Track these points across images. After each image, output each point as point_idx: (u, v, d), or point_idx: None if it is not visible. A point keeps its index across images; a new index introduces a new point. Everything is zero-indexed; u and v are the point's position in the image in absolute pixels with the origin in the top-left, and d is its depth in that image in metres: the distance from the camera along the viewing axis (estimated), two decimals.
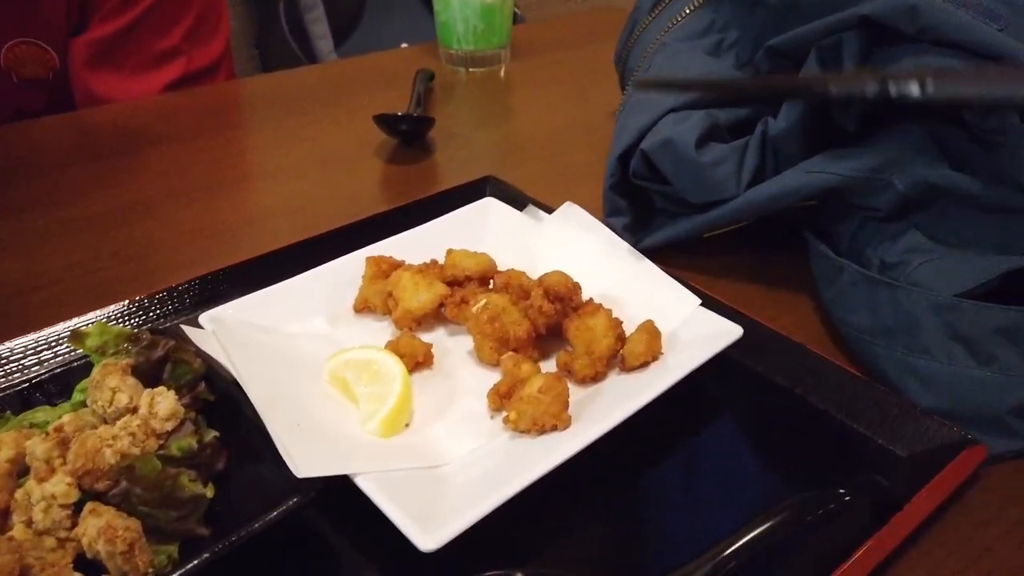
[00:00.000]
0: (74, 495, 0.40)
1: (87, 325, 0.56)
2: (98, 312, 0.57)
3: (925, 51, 0.51)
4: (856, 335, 0.53)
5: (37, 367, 0.53)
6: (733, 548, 0.39)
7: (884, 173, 0.55)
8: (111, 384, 0.44)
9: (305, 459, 0.41)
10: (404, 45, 1.77)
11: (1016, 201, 0.50)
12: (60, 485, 0.40)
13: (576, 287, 0.53)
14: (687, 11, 0.71)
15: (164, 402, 0.44)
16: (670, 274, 0.58)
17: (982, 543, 0.42)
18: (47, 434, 0.42)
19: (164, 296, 0.59)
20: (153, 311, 0.58)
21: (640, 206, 0.68)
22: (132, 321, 0.57)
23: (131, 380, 0.45)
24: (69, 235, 0.71)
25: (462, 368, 0.54)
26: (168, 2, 0.98)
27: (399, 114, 0.85)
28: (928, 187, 0.53)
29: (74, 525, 0.40)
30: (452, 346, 0.56)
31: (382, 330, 0.57)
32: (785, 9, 0.61)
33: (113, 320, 0.57)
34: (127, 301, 0.58)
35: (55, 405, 0.48)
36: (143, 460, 0.40)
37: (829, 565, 0.38)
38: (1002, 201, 0.51)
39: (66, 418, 0.43)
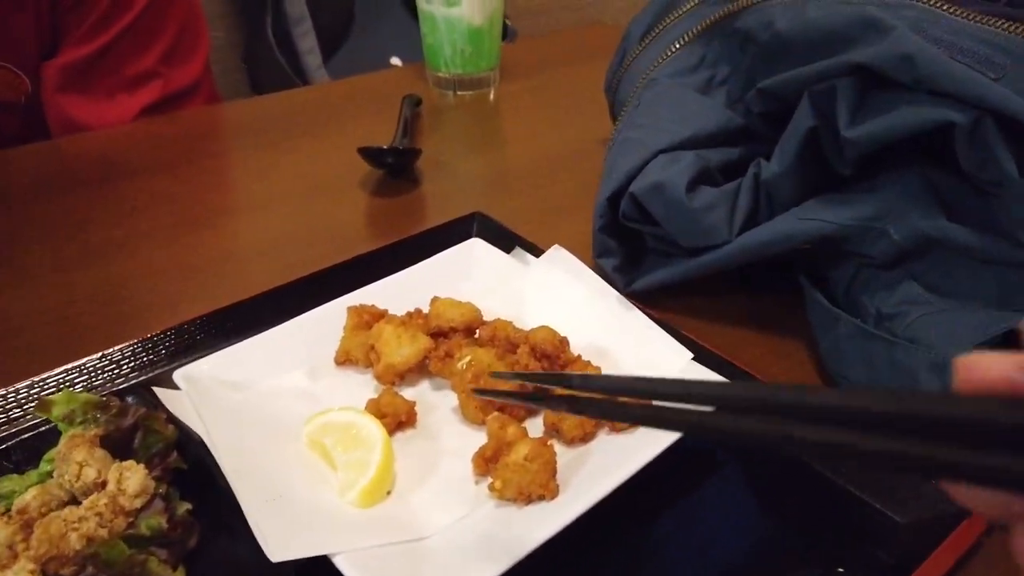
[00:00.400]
0: None
1: (56, 382, 0.54)
2: (67, 366, 0.55)
3: (921, 101, 0.49)
4: None
5: (6, 426, 0.51)
6: None
7: (879, 222, 0.54)
8: (78, 458, 0.42)
9: (279, 540, 0.39)
10: (394, 59, 1.75)
11: (1014, 255, 0.49)
12: (23, 573, 0.38)
13: (564, 343, 0.52)
14: (677, 45, 0.70)
15: (133, 478, 0.42)
16: (661, 318, 0.56)
17: None
18: (10, 516, 0.40)
19: (137, 348, 0.57)
20: (126, 364, 0.56)
21: (631, 247, 0.66)
22: (104, 375, 0.55)
23: (99, 452, 0.43)
24: (40, 277, 0.69)
25: (446, 427, 0.52)
26: (142, 24, 0.96)
27: (384, 148, 0.83)
28: (924, 238, 0.52)
29: None
30: (436, 401, 0.54)
31: (364, 384, 0.55)
32: (776, 48, 0.60)
33: (85, 374, 0.55)
34: (99, 355, 0.56)
35: (23, 473, 0.46)
36: (110, 545, 0.38)
37: None
38: (1000, 254, 0.50)
39: (31, 493, 0.42)
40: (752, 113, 0.64)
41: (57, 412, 0.45)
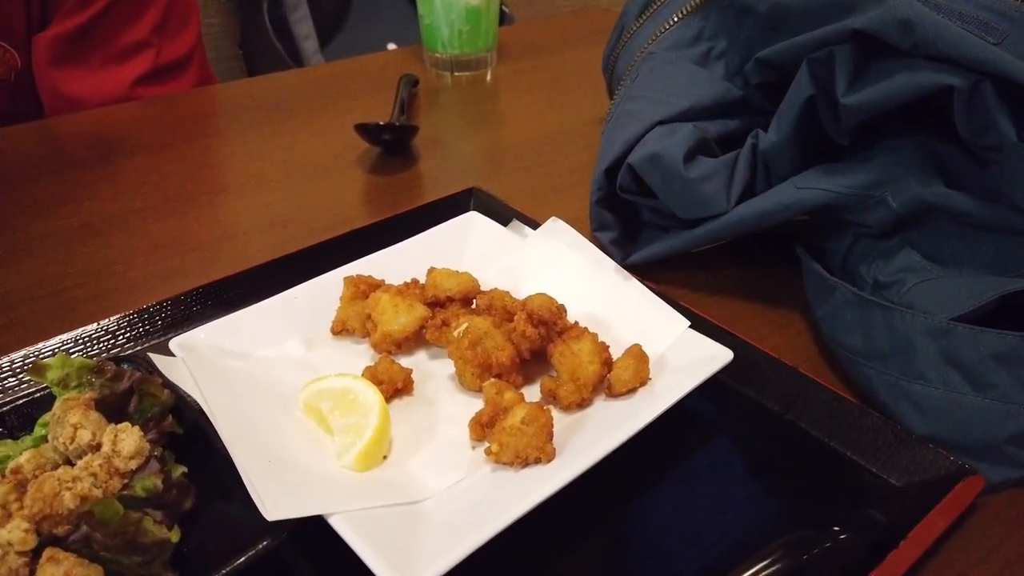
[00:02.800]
0: (31, 541, 0.38)
1: (52, 351, 0.54)
2: (64, 336, 0.55)
3: (919, 66, 0.49)
4: (850, 357, 0.52)
5: (0, 395, 0.51)
6: None
7: (877, 190, 0.53)
8: (72, 420, 0.42)
9: (275, 500, 0.39)
10: (391, 45, 1.74)
11: (1012, 221, 0.49)
12: (16, 531, 0.37)
13: (561, 310, 0.51)
14: (675, 19, 0.70)
15: (128, 439, 0.41)
16: (658, 291, 0.56)
17: None
18: (3, 476, 0.40)
19: (134, 318, 0.57)
20: (121, 335, 0.56)
21: (628, 220, 0.66)
22: (100, 345, 0.55)
23: (94, 415, 0.43)
24: (38, 252, 0.69)
25: (443, 394, 0.52)
26: None
27: (381, 123, 0.82)
28: (922, 205, 0.52)
29: (32, 573, 0.38)
30: (433, 370, 0.54)
31: (361, 353, 0.55)
32: (774, 19, 0.60)
33: (81, 344, 0.55)
34: (95, 324, 0.56)
35: (17, 438, 0.46)
36: (104, 504, 0.38)
37: None
38: (998, 220, 0.50)
39: (25, 456, 0.41)
40: (750, 85, 0.63)
41: (52, 376, 0.45)
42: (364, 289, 0.56)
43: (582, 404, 0.49)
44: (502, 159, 0.89)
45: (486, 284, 0.58)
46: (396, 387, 0.50)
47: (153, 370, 0.47)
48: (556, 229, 0.62)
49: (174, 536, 0.40)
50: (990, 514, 0.44)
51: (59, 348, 0.54)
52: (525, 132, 0.94)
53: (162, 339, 0.55)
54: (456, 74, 1.07)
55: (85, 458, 0.41)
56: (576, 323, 0.53)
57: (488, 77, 1.08)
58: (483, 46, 1.06)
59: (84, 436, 0.42)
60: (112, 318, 0.56)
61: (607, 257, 0.59)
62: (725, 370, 0.50)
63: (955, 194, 0.51)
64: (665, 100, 0.63)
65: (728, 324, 0.55)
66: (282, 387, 0.50)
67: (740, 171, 0.59)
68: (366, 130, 0.82)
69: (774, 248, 0.64)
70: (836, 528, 0.41)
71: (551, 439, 0.45)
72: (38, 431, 0.45)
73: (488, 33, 1.06)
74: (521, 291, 0.57)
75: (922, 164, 0.53)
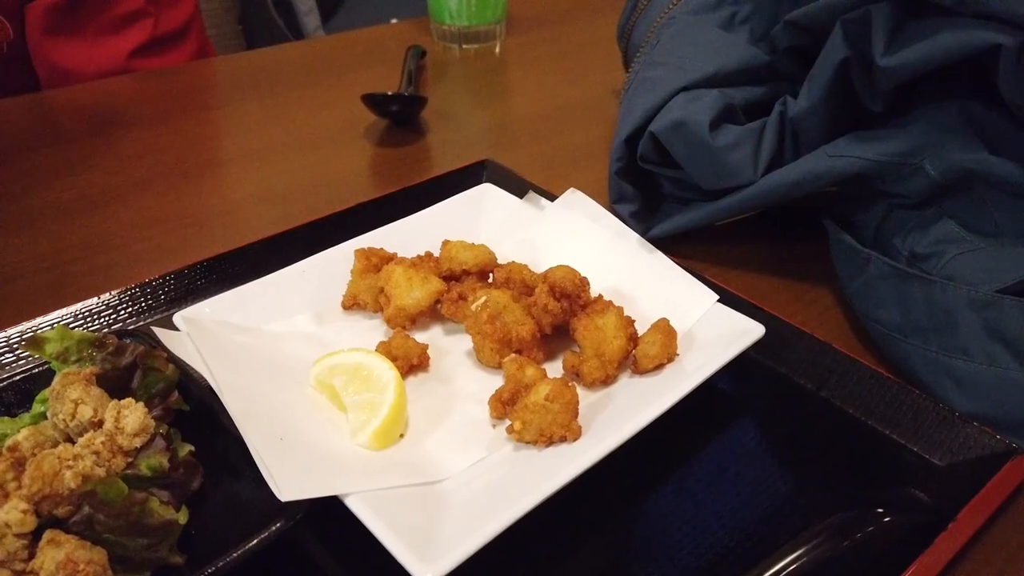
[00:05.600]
0: (31, 523, 0.36)
1: (51, 325, 0.51)
2: (63, 311, 0.53)
3: (965, 24, 0.46)
4: (885, 333, 0.50)
5: None
6: None
7: (915, 157, 0.51)
8: (73, 395, 0.40)
9: (289, 480, 0.37)
10: (394, 21, 1.71)
11: None
12: (15, 512, 0.35)
13: (584, 283, 0.49)
14: None
15: (132, 416, 0.39)
16: (681, 266, 0.54)
17: None
18: (0, 454, 0.37)
19: (136, 292, 0.54)
20: (123, 309, 0.54)
21: (648, 192, 0.64)
22: (100, 320, 0.53)
23: (95, 391, 0.41)
24: (34, 225, 0.66)
25: (461, 371, 0.49)
26: None
27: (389, 93, 0.80)
28: (963, 173, 0.49)
29: (32, 556, 0.35)
30: (449, 346, 0.51)
31: (373, 329, 0.53)
32: None
33: (80, 320, 0.53)
34: (95, 299, 0.53)
35: (15, 416, 0.43)
36: (107, 483, 0.36)
37: None
38: None
39: (23, 433, 0.39)
40: (777, 51, 0.61)
41: (50, 350, 0.43)
42: (376, 262, 0.54)
43: (607, 381, 0.47)
44: (514, 132, 0.86)
45: (502, 257, 0.56)
46: (411, 363, 0.48)
47: (157, 344, 0.45)
48: (575, 200, 0.59)
49: (181, 517, 0.38)
50: None
51: (58, 323, 0.52)
52: (536, 105, 0.91)
53: (166, 314, 0.53)
54: (464, 46, 1.04)
55: (86, 435, 0.39)
56: (600, 296, 0.50)
57: (497, 49, 1.05)
58: (492, 18, 1.03)
59: (85, 412, 0.39)
60: (113, 292, 0.54)
61: (629, 229, 0.57)
62: (755, 346, 0.47)
63: (999, 160, 0.48)
64: (688, 66, 0.60)
65: (754, 299, 0.53)
66: (292, 362, 0.47)
67: (768, 140, 0.56)
68: (373, 101, 0.79)
69: (798, 221, 0.61)
70: (880, 510, 0.39)
71: (576, 416, 0.43)
72: (36, 408, 0.42)
73: (497, 4, 1.02)
74: (539, 264, 0.55)
75: (962, 130, 0.51)
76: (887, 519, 0.39)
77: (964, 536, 0.38)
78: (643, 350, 0.47)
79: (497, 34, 1.05)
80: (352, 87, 0.85)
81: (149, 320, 0.53)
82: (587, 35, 1.08)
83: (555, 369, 0.49)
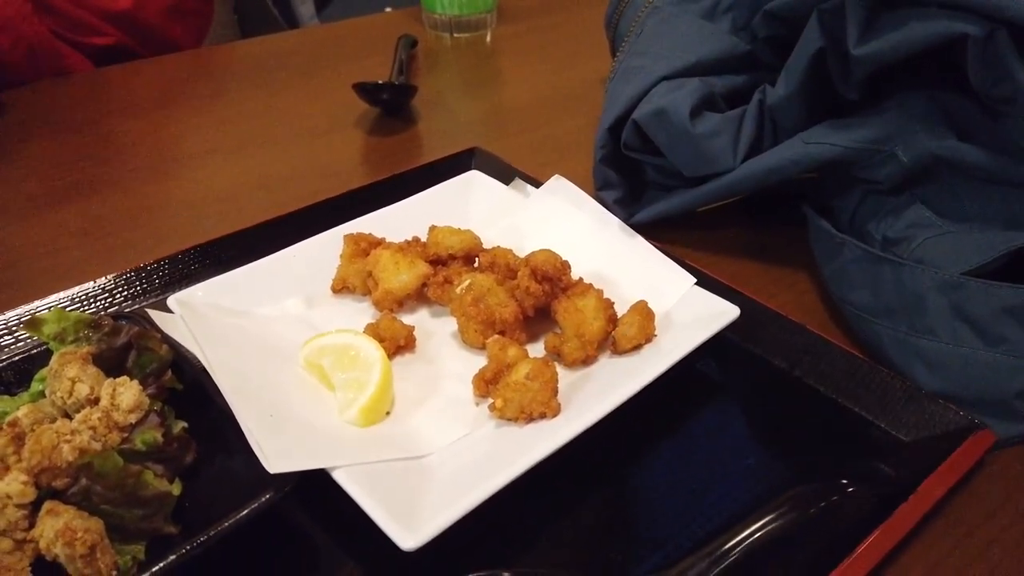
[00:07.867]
0: (30, 494, 0.37)
1: (46, 310, 0.53)
2: (60, 295, 0.54)
3: (933, 14, 0.48)
4: (857, 314, 0.51)
5: None
6: (732, 543, 0.37)
7: (887, 144, 0.52)
8: (70, 374, 0.41)
9: (277, 453, 0.39)
10: (388, 9, 1.71)
11: (1023, 174, 0.48)
12: (15, 484, 0.37)
13: (565, 266, 0.50)
14: None
15: (127, 393, 0.41)
16: (663, 250, 0.55)
17: (989, 534, 0.41)
18: (0, 429, 0.39)
19: (131, 277, 0.56)
20: (119, 293, 0.55)
21: (632, 179, 0.65)
22: (96, 304, 0.54)
23: (92, 369, 0.42)
24: (30, 212, 0.68)
25: (446, 352, 0.51)
26: None
27: (380, 83, 0.81)
28: (933, 159, 0.51)
29: (32, 526, 0.37)
30: (435, 328, 0.53)
31: (361, 312, 0.54)
32: None
33: (77, 303, 0.54)
34: (91, 283, 0.55)
35: (14, 395, 0.45)
36: (103, 456, 0.37)
37: (833, 559, 0.36)
38: (1010, 174, 0.49)
39: (23, 410, 0.41)
40: (758, 40, 0.62)
41: (48, 330, 0.44)
42: (364, 247, 0.55)
43: (587, 361, 0.48)
44: (503, 120, 0.87)
45: (488, 242, 0.57)
46: (398, 344, 0.50)
47: (152, 327, 0.46)
48: (559, 187, 0.61)
49: (175, 489, 0.39)
50: (998, 469, 0.44)
51: (56, 306, 0.53)
52: (526, 94, 0.93)
53: (160, 297, 0.54)
54: (456, 35, 1.05)
55: (83, 411, 0.40)
56: (580, 279, 0.52)
57: (488, 38, 1.06)
58: (483, 7, 1.04)
59: (82, 390, 0.41)
60: (109, 276, 0.55)
61: (611, 214, 0.58)
62: (731, 327, 0.49)
63: (966, 147, 0.50)
64: (671, 55, 0.62)
65: (733, 283, 0.55)
66: (282, 344, 0.49)
67: (747, 127, 0.58)
68: (364, 90, 0.80)
69: (779, 207, 0.63)
70: (844, 482, 0.41)
71: (556, 394, 0.44)
72: (35, 386, 0.44)
73: None
74: (524, 249, 0.56)
75: (932, 117, 0.52)
76: (852, 490, 0.41)
77: (924, 507, 0.40)
78: (622, 331, 0.48)
79: (488, 23, 1.06)
80: (345, 76, 0.86)
81: (144, 303, 0.55)
82: (577, 24, 1.09)
83: (537, 350, 0.50)
